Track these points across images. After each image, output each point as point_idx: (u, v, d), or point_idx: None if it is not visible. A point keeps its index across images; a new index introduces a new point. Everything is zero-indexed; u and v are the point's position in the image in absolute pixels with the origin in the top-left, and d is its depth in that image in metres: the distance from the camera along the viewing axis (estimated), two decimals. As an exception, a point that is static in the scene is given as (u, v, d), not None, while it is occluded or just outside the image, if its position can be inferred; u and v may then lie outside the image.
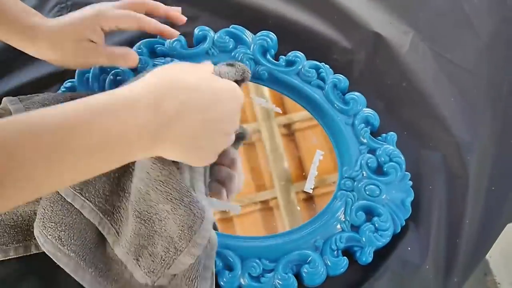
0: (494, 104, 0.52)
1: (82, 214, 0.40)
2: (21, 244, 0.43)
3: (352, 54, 0.54)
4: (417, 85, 0.52)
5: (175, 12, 0.47)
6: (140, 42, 0.51)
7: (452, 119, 0.50)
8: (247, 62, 0.51)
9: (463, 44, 0.56)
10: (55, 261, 0.39)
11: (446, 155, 0.49)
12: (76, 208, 0.40)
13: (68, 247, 0.39)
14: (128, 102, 0.31)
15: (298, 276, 0.44)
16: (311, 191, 0.49)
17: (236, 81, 0.40)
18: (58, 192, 0.40)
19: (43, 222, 0.40)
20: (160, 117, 0.32)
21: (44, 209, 0.40)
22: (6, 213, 0.43)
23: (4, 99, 0.44)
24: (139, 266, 0.39)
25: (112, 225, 0.41)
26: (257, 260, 0.44)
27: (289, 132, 0.52)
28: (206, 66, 0.39)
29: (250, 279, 0.43)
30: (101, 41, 0.44)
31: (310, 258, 0.44)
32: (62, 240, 0.39)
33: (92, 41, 0.43)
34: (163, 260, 0.38)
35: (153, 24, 0.45)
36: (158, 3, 0.46)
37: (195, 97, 0.34)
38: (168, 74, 0.34)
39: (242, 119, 0.50)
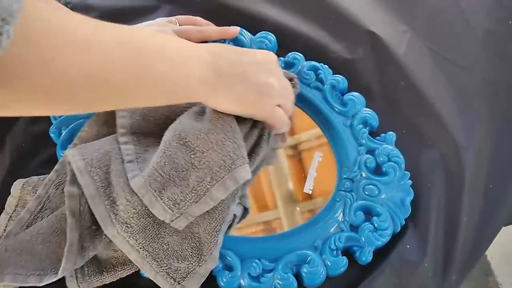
0: (492, 102, 0.53)
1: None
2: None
3: (350, 54, 0.54)
4: (414, 84, 0.52)
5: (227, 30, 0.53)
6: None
7: (449, 117, 0.50)
8: (246, 63, 0.52)
9: (460, 42, 0.56)
10: (79, 180, 0.38)
11: (444, 154, 0.49)
12: (113, 143, 0.40)
13: (95, 170, 0.38)
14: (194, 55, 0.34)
15: (297, 276, 0.44)
16: (310, 192, 0.49)
17: None
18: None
19: (84, 145, 0.40)
20: (217, 70, 0.35)
21: (89, 142, 0.41)
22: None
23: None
24: (161, 198, 0.37)
25: (135, 154, 0.40)
26: (257, 260, 0.44)
27: (295, 152, 0.52)
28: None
29: (250, 279, 0.43)
30: None
31: (309, 258, 0.44)
32: (93, 162, 0.39)
33: None
34: (194, 191, 0.37)
35: (215, 33, 0.52)
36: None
37: (239, 56, 0.38)
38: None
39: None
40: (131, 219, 0.38)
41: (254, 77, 0.38)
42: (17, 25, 0.21)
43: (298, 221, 0.48)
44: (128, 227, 0.37)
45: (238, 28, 0.53)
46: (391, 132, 0.49)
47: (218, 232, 0.39)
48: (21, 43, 0.22)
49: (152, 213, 0.37)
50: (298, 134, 0.52)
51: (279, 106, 0.40)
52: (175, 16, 0.52)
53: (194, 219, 0.38)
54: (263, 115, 0.40)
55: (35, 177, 0.44)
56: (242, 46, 0.52)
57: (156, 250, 0.38)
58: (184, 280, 0.39)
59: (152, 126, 0.43)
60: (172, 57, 0.32)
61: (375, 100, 0.52)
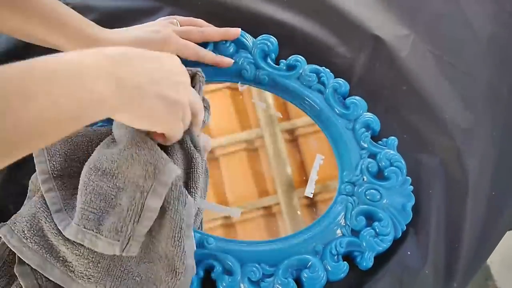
0: (495, 108, 0.52)
1: (43, 199, 0.38)
2: None
3: (352, 57, 0.54)
4: (417, 89, 0.52)
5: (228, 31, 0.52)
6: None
7: (452, 123, 0.50)
8: (248, 66, 0.51)
9: (463, 47, 0.56)
10: (21, 257, 0.37)
11: (446, 160, 0.49)
12: (39, 197, 0.38)
13: (31, 240, 0.37)
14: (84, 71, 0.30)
15: (298, 281, 0.44)
16: (311, 196, 0.49)
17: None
18: None
19: (15, 217, 0.39)
20: (119, 83, 0.31)
21: (22, 209, 0.39)
22: None
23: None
24: (101, 234, 0.35)
25: (62, 201, 0.38)
26: (257, 265, 0.44)
27: (292, 137, 0.52)
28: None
29: (250, 284, 0.43)
30: None
31: (310, 263, 0.44)
32: (25, 233, 0.37)
33: None
34: (130, 211, 0.35)
35: (209, 57, 0.50)
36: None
37: (141, 60, 0.34)
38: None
39: (245, 124, 0.50)
40: (89, 269, 0.37)
41: (162, 89, 0.34)
42: None
43: (297, 207, 0.49)
44: (90, 277, 0.37)
45: (239, 29, 0.52)
46: (393, 137, 0.49)
47: (181, 240, 0.37)
48: None
49: (106, 254, 0.36)
50: (294, 119, 0.53)
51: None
52: (176, 17, 0.52)
53: (151, 240, 0.37)
54: (168, 130, 0.37)
55: None
56: (245, 48, 0.52)
57: (131, 286, 0.37)
58: None
59: (76, 165, 0.41)
60: (62, 80, 0.28)
61: (377, 104, 0.52)
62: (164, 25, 0.49)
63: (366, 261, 0.44)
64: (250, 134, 0.52)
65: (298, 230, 0.47)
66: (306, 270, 0.43)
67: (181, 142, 0.41)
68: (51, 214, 0.38)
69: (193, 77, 0.43)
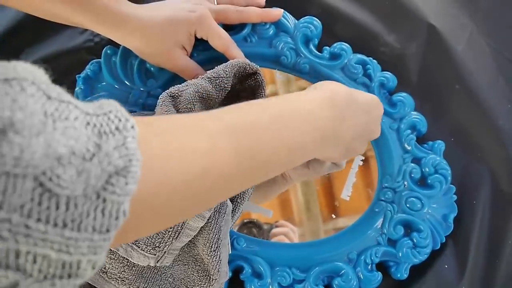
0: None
1: None
2: None
3: (402, 48, 0.49)
4: (471, 88, 0.47)
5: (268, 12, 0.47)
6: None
7: (506, 130, 0.46)
8: (288, 52, 0.47)
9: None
10: None
11: (494, 169, 0.46)
12: None
13: None
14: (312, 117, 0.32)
15: (328, 287, 0.43)
16: (348, 199, 0.46)
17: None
18: None
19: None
20: (337, 123, 0.33)
21: None
22: None
23: None
24: (137, 246, 0.35)
25: None
26: (288, 269, 0.42)
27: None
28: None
29: (280, 289, 0.41)
30: (191, 49, 0.45)
31: (343, 271, 0.42)
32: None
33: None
34: (171, 228, 0.35)
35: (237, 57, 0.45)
36: None
37: (355, 106, 0.35)
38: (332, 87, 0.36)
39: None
40: (123, 272, 0.36)
41: (356, 142, 0.36)
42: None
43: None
44: (124, 280, 0.36)
45: (281, 10, 0.47)
46: (440, 141, 0.46)
47: (217, 250, 0.36)
48: (136, 209, 0.20)
49: None
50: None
51: None
52: None
53: (190, 243, 0.36)
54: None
55: None
56: (285, 31, 0.47)
57: (163, 286, 0.37)
58: None
59: None
60: (291, 142, 0.30)
61: (424, 102, 0.48)
62: (199, 2, 0.45)
63: (401, 273, 0.43)
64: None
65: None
66: (338, 278, 0.42)
67: None
68: None
69: (253, 75, 0.41)
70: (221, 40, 0.44)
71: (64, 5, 0.38)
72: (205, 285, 0.37)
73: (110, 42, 0.45)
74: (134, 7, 0.42)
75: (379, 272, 0.43)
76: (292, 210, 0.47)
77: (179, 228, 0.34)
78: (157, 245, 0.34)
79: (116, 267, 0.36)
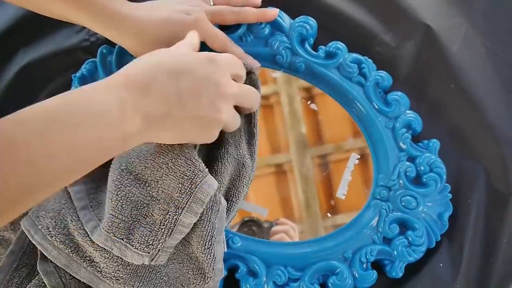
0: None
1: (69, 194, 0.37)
2: None
3: (398, 47, 0.49)
4: (465, 87, 0.48)
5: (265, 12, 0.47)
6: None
7: (501, 129, 0.46)
8: (283, 51, 0.47)
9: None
10: (46, 255, 0.36)
11: (489, 168, 0.46)
12: (63, 192, 0.37)
13: (56, 238, 0.35)
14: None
15: (324, 286, 0.43)
16: (343, 197, 0.46)
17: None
18: None
19: (37, 210, 0.36)
20: (146, 117, 0.31)
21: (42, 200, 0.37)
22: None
23: None
24: (131, 244, 0.34)
25: (87, 196, 0.37)
26: (283, 268, 0.42)
27: (309, 95, 0.49)
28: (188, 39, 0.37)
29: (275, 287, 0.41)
30: None
31: (338, 270, 0.42)
32: (50, 230, 0.35)
33: None
34: (163, 225, 0.34)
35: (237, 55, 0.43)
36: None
37: (171, 79, 0.32)
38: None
39: (262, 81, 0.47)
40: (117, 271, 0.35)
41: (197, 111, 0.32)
42: None
43: (310, 166, 0.48)
44: (119, 279, 0.35)
45: (277, 10, 0.47)
46: (435, 140, 0.46)
47: (211, 247, 0.36)
48: None
49: None
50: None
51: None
52: None
53: (181, 241, 0.36)
54: (204, 141, 0.36)
55: None
56: (281, 31, 0.48)
57: (158, 286, 0.36)
58: None
59: None
60: (85, 124, 0.28)
61: (420, 101, 0.48)
62: (196, 4, 0.45)
63: (396, 271, 0.43)
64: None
65: (309, 190, 0.46)
66: (333, 277, 0.42)
67: (236, 146, 0.39)
68: (76, 212, 0.36)
69: (247, 75, 0.40)
70: (218, 40, 0.44)
71: (60, 2, 0.38)
72: (200, 284, 0.37)
73: (106, 42, 0.45)
74: (130, 6, 0.42)
75: (374, 271, 0.43)
76: (292, 207, 0.47)
77: (171, 225, 0.34)
78: (150, 243, 0.34)
79: (111, 266, 0.35)
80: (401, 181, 0.45)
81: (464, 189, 0.46)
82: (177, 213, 0.34)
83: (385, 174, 0.45)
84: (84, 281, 0.36)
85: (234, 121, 0.37)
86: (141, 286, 0.36)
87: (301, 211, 0.47)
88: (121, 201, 0.34)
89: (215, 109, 0.33)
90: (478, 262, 0.44)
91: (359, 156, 0.47)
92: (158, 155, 0.35)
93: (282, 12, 0.48)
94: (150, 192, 0.34)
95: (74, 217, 0.36)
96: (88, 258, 0.36)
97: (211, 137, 0.35)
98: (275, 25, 0.48)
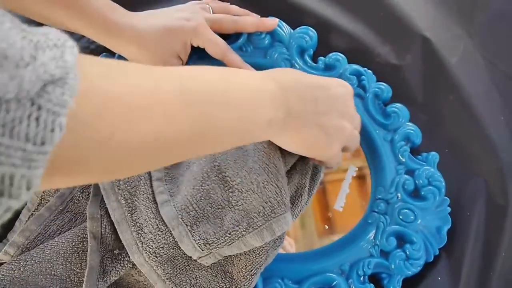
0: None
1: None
2: None
3: (397, 59, 0.49)
4: (465, 100, 0.47)
5: (264, 22, 0.47)
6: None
7: (500, 142, 0.46)
8: (283, 63, 0.47)
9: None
10: (106, 201, 0.36)
11: (488, 181, 0.46)
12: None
13: (122, 193, 0.36)
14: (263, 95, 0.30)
15: (321, 299, 0.42)
16: (341, 209, 0.46)
17: None
18: None
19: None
20: (287, 111, 0.32)
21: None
22: None
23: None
24: (192, 234, 0.35)
25: (165, 179, 0.37)
26: (280, 281, 0.42)
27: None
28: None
29: (272, 300, 0.41)
30: (186, 58, 0.45)
31: (335, 283, 0.42)
32: (120, 184, 0.36)
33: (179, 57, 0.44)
34: (229, 234, 0.35)
35: (235, 64, 0.44)
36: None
37: (312, 91, 0.34)
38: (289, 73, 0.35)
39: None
40: (160, 249, 0.35)
41: (327, 118, 0.34)
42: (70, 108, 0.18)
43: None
44: (157, 256, 0.35)
45: (277, 20, 0.47)
46: (434, 153, 0.46)
47: (253, 276, 0.36)
48: (75, 126, 0.19)
49: None
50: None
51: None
52: (208, 1, 0.47)
53: (228, 258, 0.36)
54: (325, 158, 0.36)
55: None
56: (281, 41, 0.48)
57: (183, 283, 0.36)
58: None
59: None
60: (239, 104, 0.28)
61: (419, 113, 0.48)
62: (195, 11, 0.45)
63: (394, 285, 0.42)
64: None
65: None
66: (330, 290, 0.42)
67: (301, 175, 0.39)
68: (151, 180, 0.37)
69: None
70: (217, 48, 0.44)
71: (59, 10, 0.38)
72: None
73: (106, 49, 0.45)
74: (129, 16, 0.42)
75: (372, 284, 0.42)
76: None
77: (235, 238, 0.34)
78: (209, 242, 0.34)
79: (159, 240, 0.35)
80: (399, 194, 0.44)
81: (463, 202, 0.46)
82: (247, 231, 0.34)
83: (383, 187, 0.45)
84: (124, 244, 0.36)
85: (356, 140, 0.38)
86: (170, 273, 0.36)
87: (297, 223, 0.47)
88: (202, 192, 0.35)
89: (342, 123, 0.35)
90: (477, 276, 0.43)
91: (356, 169, 0.47)
92: (254, 171, 0.35)
93: (282, 23, 0.48)
94: (230, 199, 0.35)
95: (147, 184, 0.36)
96: (138, 225, 0.36)
97: (331, 151, 0.35)
98: (274, 36, 0.48)
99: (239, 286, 0.36)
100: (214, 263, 0.37)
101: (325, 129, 0.34)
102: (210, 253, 0.35)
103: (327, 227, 0.46)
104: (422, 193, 0.44)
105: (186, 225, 0.35)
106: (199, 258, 0.35)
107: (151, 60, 0.43)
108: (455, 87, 0.48)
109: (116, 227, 0.36)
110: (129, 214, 0.36)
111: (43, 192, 0.40)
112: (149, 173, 0.37)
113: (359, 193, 0.47)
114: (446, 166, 0.46)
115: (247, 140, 0.31)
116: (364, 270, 0.42)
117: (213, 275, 0.37)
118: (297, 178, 0.39)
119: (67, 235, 0.37)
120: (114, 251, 0.36)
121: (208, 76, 0.28)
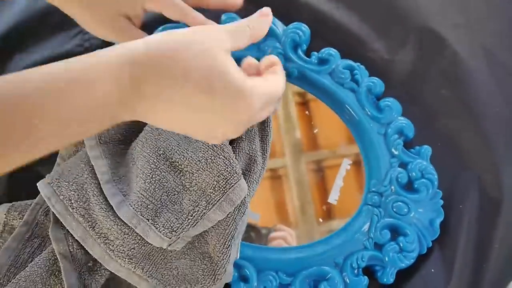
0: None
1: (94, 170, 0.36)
2: None
3: (390, 54, 0.49)
4: (459, 94, 0.48)
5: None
6: (162, 27, 0.47)
7: (494, 135, 0.46)
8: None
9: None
10: (65, 225, 0.36)
11: (482, 174, 0.46)
12: (85, 165, 0.37)
13: (77, 211, 0.36)
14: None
15: (315, 291, 0.43)
16: (335, 202, 0.46)
17: None
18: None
19: (58, 178, 0.37)
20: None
21: (63, 169, 0.38)
22: None
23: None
24: (155, 227, 0.35)
25: (110, 171, 0.37)
26: (274, 273, 0.42)
27: (304, 100, 0.50)
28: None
29: (266, 293, 0.41)
30: (139, 21, 0.42)
31: (329, 275, 0.42)
32: (72, 202, 0.36)
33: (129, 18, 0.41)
34: (191, 216, 0.35)
35: (199, 19, 0.40)
36: None
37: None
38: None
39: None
40: (132, 250, 0.36)
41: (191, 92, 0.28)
42: None
43: (304, 172, 0.48)
44: (131, 258, 0.35)
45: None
46: (427, 146, 0.46)
47: (229, 248, 0.36)
48: None
49: None
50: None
51: None
52: None
53: (199, 238, 0.37)
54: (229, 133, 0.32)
55: (21, 202, 0.41)
56: (274, 36, 0.48)
57: (166, 277, 0.36)
58: None
59: (122, 133, 0.40)
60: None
61: (411, 107, 0.48)
62: None
63: (387, 277, 0.43)
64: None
65: (304, 196, 0.46)
66: (324, 282, 0.42)
67: (250, 141, 0.40)
68: (99, 185, 0.36)
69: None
70: (176, 8, 0.39)
71: None
72: (208, 284, 0.37)
73: (100, 47, 0.45)
74: None
75: (366, 277, 0.43)
76: (287, 212, 0.48)
77: (198, 218, 0.35)
78: (174, 229, 0.35)
79: (127, 243, 0.35)
80: (392, 187, 0.45)
81: (456, 195, 0.46)
82: (207, 208, 0.35)
83: (377, 180, 0.45)
84: (95, 257, 0.36)
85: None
86: (150, 270, 0.36)
87: (296, 216, 0.47)
88: (154, 184, 0.35)
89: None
90: (470, 268, 0.44)
91: (350, 162, 0.47)
92: (198, 149, 0.35)
93: (275, 18, 0.48)
94: (183, 182, 0.35)
95: (96, 191, 0.36)
96: (103, 235, 0.36)
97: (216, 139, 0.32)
98: (268, 31, 0.48)
99: (218, 262, 0.37)
100: (190, 248, 0.38)
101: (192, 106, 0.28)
102: (178, 238, 0.35)
103: (321, 220, 0.47)
104: (415, 186, 0.44)
105: (148, 220, 0.35)
106: (169, 245, 0.35)
107: (97, 20, 0.40)
108: (449, 80, 0.48)
109: (82, 244, 0.36)
110: (90, 229, 0.35)
111: (6, 220, 0.39)
112: (96, 178, 0.36)
113: (355, 185, 0.47)
114: (439, 160, 0.46)
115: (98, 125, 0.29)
116: (358, 262, 0.43)
117: (192, 260, 0.37)
118: (246, 145, 0.39)
119: (37, 262, 0.36)
120: (88, 264, 0.36)
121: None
